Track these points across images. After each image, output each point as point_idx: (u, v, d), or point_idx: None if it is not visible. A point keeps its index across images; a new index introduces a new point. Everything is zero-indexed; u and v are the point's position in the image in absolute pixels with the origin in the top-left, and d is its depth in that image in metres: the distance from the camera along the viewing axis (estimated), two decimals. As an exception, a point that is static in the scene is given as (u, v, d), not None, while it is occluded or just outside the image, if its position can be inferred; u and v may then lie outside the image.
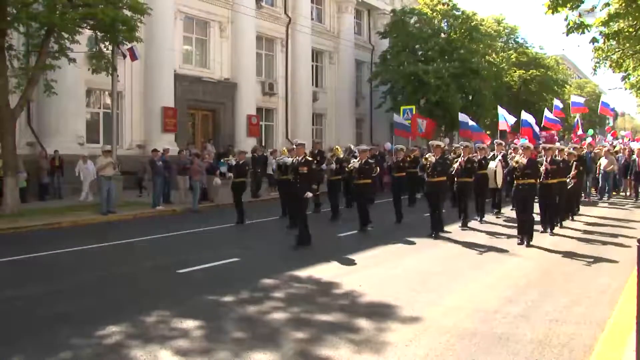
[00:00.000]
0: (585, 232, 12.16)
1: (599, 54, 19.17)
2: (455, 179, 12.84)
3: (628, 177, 19.91)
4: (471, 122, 22.95)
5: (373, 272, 8.40)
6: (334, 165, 14.58)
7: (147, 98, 21.44)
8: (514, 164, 10.47)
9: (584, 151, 18.63)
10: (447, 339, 5.47)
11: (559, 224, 12.55)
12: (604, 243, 10.72)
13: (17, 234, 12.24)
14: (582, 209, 15.46)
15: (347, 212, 14.80)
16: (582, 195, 17.20)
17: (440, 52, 29.02)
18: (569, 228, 12.61)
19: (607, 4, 14.60)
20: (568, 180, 13.09)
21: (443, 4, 30.93)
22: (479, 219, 13.52)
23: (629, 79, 22.93)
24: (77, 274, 8.44)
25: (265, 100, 27.32)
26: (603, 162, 19.32)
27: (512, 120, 23.15)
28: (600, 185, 19.61)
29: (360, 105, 32.78)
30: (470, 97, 30.50)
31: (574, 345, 5.28)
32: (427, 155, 11.94)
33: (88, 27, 15.09)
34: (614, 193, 20.14)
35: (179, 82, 22.36)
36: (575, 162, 13.93)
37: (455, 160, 13.08)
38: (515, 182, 10.64)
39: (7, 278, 8.07)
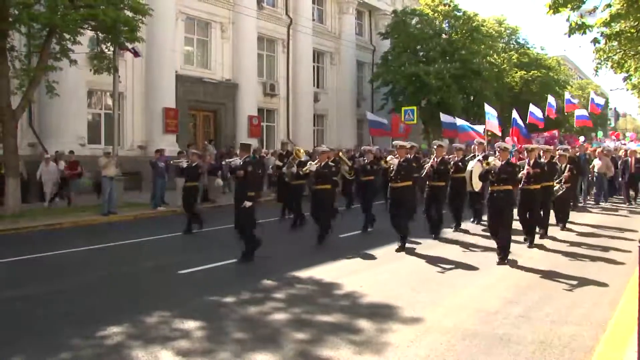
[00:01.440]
0: (572, 244, 10.81)
1: (600, 54, 19.11)
2: (427, 183, 11.62)
3: (620, 179, 18.78)
4: (460, 122, 21.82)
5: (374, 272, 8.40)
6: (295, 169, 12.75)
7: (149, 99, 21.45)
8: (485, 166, 9.25)
9: (578, 153, 17.91)
10: (448, 339, 5.46)
11: (541, 234, 11.17)
12: (593, 259, 9.33)
13: (18, 234, 12.26)
14: (574, 216, 13.90)
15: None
16: (572, 202, 15.67)
17: (441, 53, 29.01)
18: (557, 239, 11.22)
19: (609, 5, 14.58)
20: (559, 186, 12.22)
21: (444, 5, 30.92)
22: (453, 227, 12.26)
23: (630, 79, 22.85)
24: (78, 274, 8.44)
25: (267, 101, 27.32)
26: (597, 163, 18.27)
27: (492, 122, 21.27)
28: (595, 189, 18.62)
29: (362, 106, 32.77)
30: (472, 98, 30.49)
31: (575, 346, 5.28)
32: (388, 158, 10.56)
33: (89, 28, 15.10)
34: (612, 197, 19.07)
35: (180, 83, 22.37)
36: (568, 166, 12.89)
37: (425, 161, 12.09)
38: (490, 188, 9.33)
39: (8, 278, 8.08)
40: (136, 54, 17.87)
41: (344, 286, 7.51)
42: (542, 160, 11.36)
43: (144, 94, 21.47)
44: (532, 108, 22.96)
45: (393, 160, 10.16)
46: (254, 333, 5.68)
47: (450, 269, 8.59)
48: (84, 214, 14.82)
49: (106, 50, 16.12)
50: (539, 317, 6.15)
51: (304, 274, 8.11)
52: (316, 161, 11.18)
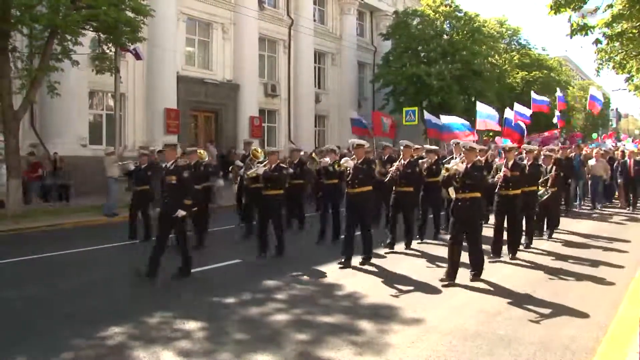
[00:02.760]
0: (558, 256, 9.50)
1: (601, 55, 19.08)
2: (394, 188, 10.15)
3: (619, 182, 17.08)
4: (447, 120, 20.24)
5: (375, 274, 8.40)
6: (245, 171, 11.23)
7: (150, 99, 21.47)
8: (445, 171, 7.91)
9: (572, 153, 16.67)
10: (449, 340, 5.46)
11: (526, 244, 10.15)
12: (578, 279, 8.14)
13: (20, 234, 12.27)
14: (564, 223, 12.92)
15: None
16: (566, 207, 15.22)
17: (442, 54, 29.00)
18: (541, 251, 9.93)
19: (611, 5, 14.57)
20: (544, 190, 11.20)
21: (445, 6, 30.92)
22: (419, 238, 10.79)
23: (632, 80, 22.80)
24: (79, 275, 8.45)
25: (268, 102, 27.34)
26: (592, 164, 16.80)
27: (491, 117, 19.91)
28: (590, 193, 17.12)
29: (363, 106, 32.76)
30: (473, 99, 30.48)
31: (576, 348, 5.27)
32: (342, 160, 9.10)
33: (91, 29, 15.12)
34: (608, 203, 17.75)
35: (181, 84, 22.39)
36: (554, 167, 11.78)
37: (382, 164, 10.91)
38: (455, 196, 7.93)
39: (10, 279, 8.09)
40: (138, 56, 17.89)
41: (345, 287, 7.51)
42: (525, 161, 10.23)
43: (146, 95, 21.49)
44: (517, 106, 20.79)
45: (348, 163, 8.82)
46: (255, 334, 5.68)
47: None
48: (86, 214, 14.83)
49: (108, 51, 16.14)
50: (540, 318, 6.14)
51: (304, 274, 8.10)
52: (264, 163, 9.86)
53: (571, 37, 13.90)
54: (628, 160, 16.77)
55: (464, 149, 7.97)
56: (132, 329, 5.84)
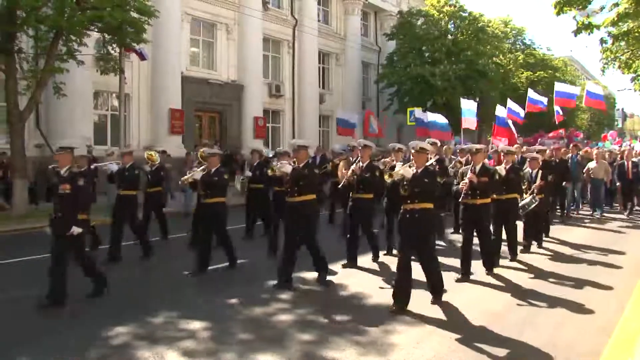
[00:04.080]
0: (539, 274, 8.27)
1: (607, 54, 19.00)
2: (350, 195, 8.97)
3: (617, 185, 16.02)
4: (433, 117, 19.51)
5: (380, 274, 8.39)
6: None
7: (155, 100, 21.51)
8: (388, 177, 6.73)
9: (569, 154, 15.71)
10: (453, 341, 5.45)
11: (510, 258, 9.10)
12: (591, 265, 8.70)
13: (25, 235, 12.30)
14: (557, 230, 12.09)
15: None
16: (561, 213, 14.43)
17: (447, 54, 28.95)
18: (518, 268, 8.61)
19: (616, 4, 14.54)
20: (530, 197, 9.93)
21: (450, 6, 30.87)
22: (385, 251, 9.59)
23: (638, 80, 22.67)
24: (83, 275, 8.46)
25: (272, 102, 27.35)
26: (591, 166, 15.48)
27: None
28: (590, 197, 15.98)
29: (367, 107, 32.75)
30: (477, 99, 30.41)
31: (581, 349, 5.26)
32: (276, 165, 7.83)
33: (96, 30, 15.16)
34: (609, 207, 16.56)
35: (186, 84, 22.42)
36: (540, 172, 10.43)
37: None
38: (402, 208, 6.64)
39: (16, 279, 8.11)
40: (142, 57, 17.95)
41: (349, 287, 7.51)
42: (503, 166, 9.11)
43: (150, 95, 21.53)
44: (510, 104, 19.56)
45: (285, 168, 7.52)
46: (259, 334, 5.69)
47: (455, 271, 8.55)
48: (92, 215, 14.80)
49: (112, 51, 16.19)
50: (545, 320, 6.13)
51: (309, 275, 8.10)
52: (201, 167, 8.90)
53: (575, 35, 13.90)
54: (625, 162, 15.73)
55: (413, 150, 6.70)
56: (136, 328, 5.86)
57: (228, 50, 24.93)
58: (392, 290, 6.52)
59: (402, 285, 6.39)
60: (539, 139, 22.67)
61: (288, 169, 7.49)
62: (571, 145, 17.91)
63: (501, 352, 5.20)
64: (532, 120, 29.34)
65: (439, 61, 28.62)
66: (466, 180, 7.91)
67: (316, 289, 7.53)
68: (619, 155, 17.08)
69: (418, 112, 20.68)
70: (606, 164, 15.91)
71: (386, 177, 6.81)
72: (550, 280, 8.00)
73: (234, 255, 8.66)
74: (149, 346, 5.35)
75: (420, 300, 6.73)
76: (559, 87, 22.45)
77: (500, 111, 17.73)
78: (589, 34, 13.81)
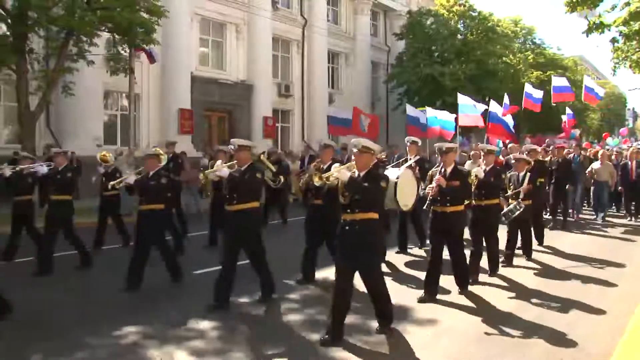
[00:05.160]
0: (521, 294, 7.10)
1: (618, 54, 18.85)
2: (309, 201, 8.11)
3: (619, 188, 14.89)
4: (432, 113, 18.22)
5: (387, 274, 8.37)
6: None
7: (164, 100, 21.60)
8: (318, 180, 5.63)
9: (571, 154, 14.69)
10: (462, 342, 5.44)
11: (489, 273, 8.11)
12: (599, 267, 8.33)
13: (35, 234, 12.36)
14: (553, 237, 11.21)
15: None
16: (563, 217, 13.24)
17: (456, 54, 28.86)
18: (499, 285, 7.56)
19: (628, 3, 14.44)
20: (514, 203, 8.76)
21: (459, 5, 30.76)
22: None
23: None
24: (93, 274, 8.52)
25: (281, 102, 27.37)
26: (595, 167, 14.48)
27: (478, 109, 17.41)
28: (592, 201, 14.85)
29: (377, 107, 32.69)
30: (487, 99, 30.26)
31: (591, 350, 5.23)
32: (215, 169, 7.04)
33: (106, 30, 15.24)
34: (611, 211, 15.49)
35: (195, 84, 22.49)
36: (528, 175, 9.21)
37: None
38: (342, 218, 5.55)
39: (24, 278, 8.15)
40: (153, 59, 18.02)
41: (358, 287, 7.49)
42: (482, 167, 8.20)
43: (160, 95, 21.62)
44: (507, 99, 17.85)
45: (222, 171, 6.75)
46: (268, 334, 5.70)
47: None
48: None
49: (122, 51, 16.27)
50: (554, 321, 6.09)
51: (318, 274, 8.09)
52: (137, 169, 8.20)
53: (587, 35, 13.82)
54: (629, 162, 14.52)
55: (355, 150, 5.54)
56: (146, 328, 5.88)
57: (237, 50, 24.98)
58: (400, 289, 6.49)
59: (335, 320, 5.44)
60: (547, 140, 21.84)
61: (224, 173, 6.68)
62: (574, 144, 17.05)
63: (510, 353, 5.17)
64: (540, 121, 29.19)
65: (448, 61, 28.52)
66: (433, 184, 6.83)
67: (325, 289, 7.53)
68: (624, 155, 16.00)
69: (411, 109, 19.26)
70: (611, 165, 14.77)
71: (315, 180, 5.63)
72: (561, 281, 7.95)
73: (177, 266, 7.85)
74: (158, 346, 5.38)
75: (427, 303, 6.71)
76: (556, 81, 20.70)
77: (494, 107, 16.36)
78: (600, 33, 13.73)
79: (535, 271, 8.61)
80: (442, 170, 7.01)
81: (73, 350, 5.25)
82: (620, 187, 14.76)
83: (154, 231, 7.64)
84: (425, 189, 7.01)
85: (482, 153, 8.88)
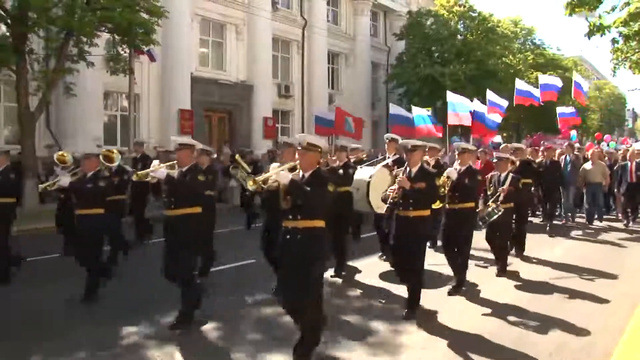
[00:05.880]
0: (499, 310, 6.34)
1: (618, 55, 18.83)
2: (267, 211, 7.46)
3: (616, 191, 14.22)
4: (417, 112, 17.38)
5: (389, 275, 8.36)
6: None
7: (164, 100, 21.59)
8: (252, 184, 4.88)
9: (563, 155, 13.84)
10: (463, 342, 5.44)
11: (452, 289, 7.22)
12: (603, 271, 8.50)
13: (37, 234, 12.37)
14: (538, 246, 10.34)
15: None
16: (549, 221, 12.40)
17: (456, 54, 28.88)
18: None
19: (627, 4, 14.43)
20: (493, 207, 8.03)
21: (459, 6, 30.77)
22: (334, 273, 8.07)
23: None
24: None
25: (282, 103, 27.37)
26: (587, 168, 13.61)
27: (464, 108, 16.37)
28: (585, 204, 13.87)
29: (377, 107, 32.69)
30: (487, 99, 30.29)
31: (592, 350, 5.23)
32: (152, 171, 6.17)
33: (106, 31, 15.25)
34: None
35: (195, 85, 22.49)
36: (510, 176, 8.42)
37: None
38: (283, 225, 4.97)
39: (26, 278, 8.14)
40: (152, 58, 18.03)
41: (360, 288, 7.50)
42: (455, 168, 7.54)
43: (160, 96, 21.61)
44: (492, 96, 16.78)
45: (158, 172, 6.04)
46: (269, 334, 5.70)
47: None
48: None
49: (122, 52, 16.28)
50: (555, 321, 6.09)
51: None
52: (73, 170, 7.58)
53: (589, 38, 13.79)
54: (629, 163, 13.60)
55: (300, 148, 4.94)
56: (147, 328, 5.88)
57: (237, 51, 24.98)
58: (405, 291, 6.41)
59: (304, 348, 4.91)
60: (542, 141, 21.50)
61: (160, 174, 5.99)
62: (566, 144, 15.96)
63: (511, 354, 5.18)
64: (542, 122, 29.19)
65: (448, 61, 28.54)
66: (396, 186, 6.17)
67: (326, 289, 7.50)
68: (620, 156, 15.06)
69: (395, 108, 18.36)
70: (604, 165, 13.88)
71: (249, 184, 4.88)
72: (562, 282, 7.94)
73: (96, 283, 7.00)
74: (160, 346, 5.37)
75: (429, 302, 6.71)
76: (543, 79, 20.46)
77: (476, 105, 15.48)
78: (602, 35, 13.72)
79: (535, 272, 8.61)
80: (407, 170, 6.31)
81: (73, 350, 5.25)
82: (615, 190, 14.10)
83: (90, 238, 6.91)
84: (386, 191, 6.37)
85: (456, 152, 8.15)
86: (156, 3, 15.51)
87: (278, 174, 4.86)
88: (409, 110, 20.50)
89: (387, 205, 6.31)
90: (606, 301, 6.88)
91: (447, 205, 7.49)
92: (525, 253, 9.64)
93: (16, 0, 13.46)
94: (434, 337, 5.59)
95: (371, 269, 8.70)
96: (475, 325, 5.92)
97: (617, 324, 5.89)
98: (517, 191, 8.46)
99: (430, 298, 6.85)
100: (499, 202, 8.13)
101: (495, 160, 8.90)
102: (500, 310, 6.48)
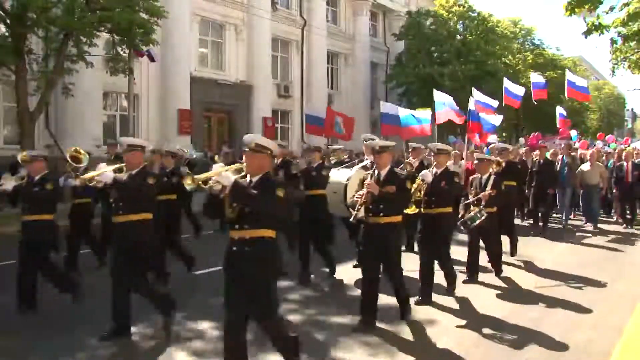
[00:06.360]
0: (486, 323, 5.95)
1: (617, 55, 18.81)
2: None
3: (613, 192, 13.84)
4: (405, 112, 16.68)
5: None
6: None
7: (163, 100, 21.60)
8: (189, 182, 4.31)
9: (559, 155, 13.39)
10: (462, 343, 5.44)
11: (416, 301, 6.55)
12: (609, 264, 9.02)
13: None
14: (533, 248, 10.14)
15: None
16: (543, 224, 12.05)
17: (456, 55, 28.91)
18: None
19: (627, 4, 14.42)
20: (475, 211, 7.57)
21: (459, 6, 30.80)
22: (304, 279, 7.74)
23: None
24: (93, 274, 8.50)
25: (281, 103, 27.38)
26: (585, 169, 13.20)
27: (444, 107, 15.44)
28: (582, 207, 13.55)
29: (376, 107, 32.63)
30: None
31: (591, 350, 5.23)
32: (97, 172, 5.60)
33: (105, 31, 15.23)
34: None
35: (194, 85, 22.49)
36: (492, 178, 7.90)
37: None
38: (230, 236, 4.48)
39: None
40: (152, 59, 18.03)
41: (357, 288, 7.50)
42: (431, 170, 6.95)
43: (159, 96, 21.62)
44: (478, 95, 15.68)
45: (104, 175, 5.45)
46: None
47: (463, 274, 8.52)
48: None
49: (122, 52, 16.27)
50: (553, 321, 6.10)
51: (318, 275, 8.10)
52: (19, 174, 6.79)
53: (586, 37, 13.77)
54: (625, 164, 13.26)
55: (247, 150, 4.50)
56: (145, 328, 5.88)
57: (237, 51, 24.99)
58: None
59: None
60: (539, 140, 20.97)
61: (107, 177, 5.45)
62: (563, 144, 15.55)
63: (511, 353, 5.18)
64: (541, 122, 29.14)
65: (447, 61, 28.57)
66: (363, 191, 5.65)
67: (326, 290, 7.53)
68: (616, 156, 14.69)
69: (386, 106, 17.42)
70: (602, 166, 13.56)
71: (187, 182, 4.30)
72: (560, 282, 7.94)
73: (68, 285, 6.80)
74: (158, 346, 5.37)
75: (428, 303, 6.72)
76: (534, 78, 19.88)
77: (472, 104, 14.77)
78: (600, 34, 13.70)
79: (534, 273, 8.61)
80: (376, 173, 5.85)
81: (73, 350, 5.25)
82: (614, 191, 13.71)
83: (37, 245, 6.42)
84: (354, 196, 5.83)
85: (431, 153, 7.40)
86: (156, 3, 15.49)
87: (220, 174, 4.26)
88: (414, 108, 20.00)
89: (354, 212, 5.71)
90: (605, 301, 6.89)
91: (422, 210, 6.94)
92: (521, 256, 9.45)
93: (15, 0, 13.45)
94: (433, 337, 5.59)
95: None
96: (474, 326, 5.92)
97: (616, 324, 5.90)
98: (501, 194, 7.93)
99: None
100: (481, 206, 7.66)
101: (476, 162, 8.47)
102: (498, 311, 6.48)
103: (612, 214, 14.62)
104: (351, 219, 5.83)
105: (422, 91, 28.42)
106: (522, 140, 21.48)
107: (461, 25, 31.24)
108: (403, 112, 16.38)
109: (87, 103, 18.37)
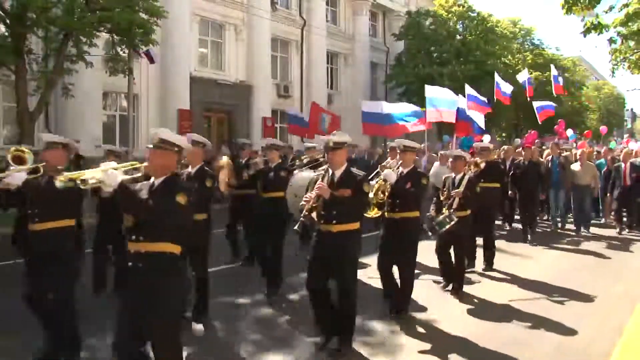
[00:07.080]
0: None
1: (616, 55, 18.82)
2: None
3: (607, 195, 13.35)
4: (390, 109, 15.52)
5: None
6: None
7: (163, 101, 21.59)
8: (59, 182, 3.96)
9: (551, 156, 13.11)
10: (461, 343, 5.45)
11: (398, 307, 6.26)
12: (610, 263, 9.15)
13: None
14: (513, 257, 9.62)
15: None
16: (528, 229, 11.42)
17: (455, 55, 28.91)
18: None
19: (626, 5, 14.44)
20: (444, 215, 6.95)
21: (458, 6, 30.81)
22: (267, 293, 7.09)
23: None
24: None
25: (281, 103, 27.37)
26: (575, 169, 12.62)
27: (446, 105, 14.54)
28: (573, 209, 12.81)
29: (376, 107, 32.70)
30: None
31: (591, 351, 5.24)
32: (5, 176, 4.71)
33: (105, 31, 15.23)
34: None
35: (194, 85, 22.49)
36: (467, 179, 7.21)
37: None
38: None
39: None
40: (152, 60, 18.02)
41: (358, 288, 7.49)
42: (393, 170, 6.34)
43: (159, 96, 21.61)
44: (471, 91, 15.01)
45: (14, 176, 4.68)
46: (268, 334, 5.70)
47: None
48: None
49: (121, 52, 16.27)
50: (554, 322, 6.10)
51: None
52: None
53: (585, 36, 13.75)
54: (622, 165, 12.67)
55: (149, 147, 3.98)
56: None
57: (237, 51, 24.99)
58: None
59: None
60: (536, 140, 20.64)
61: (17, 179, 4.65)
62: (551, 143, 14.98)
63: (510, 354, 5.18)
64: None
65: (447, 61, 28.58)
66: (312, 194, 5.00)
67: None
68: (609, 157, 14.08)
69: (367, 104, 16.35)
70: (593, 166, 12.93)
71: (60, 179, 3.91)
72: (560, 282, 7.94)
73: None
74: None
75: (428, 302, 6.72)
76: (498, 79, 19.19)
77: (463, 103, 14.08)
78: (599, 34, 13.71)
79: (533, 273, 8.61)
80: (329, 174, 5.17)
81: (73, 351, 5.24)
82: (608, 194, 13.23)
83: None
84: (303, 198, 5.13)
85: (400, 152, 6.52)
86: (155, 3, 15.49)
87: (106, 172, 3.50)
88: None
89: (301, 219, 5.00)
90: (604, 302, 6.90)
91: (385, 214, 6.33)
92: (512, 261, 9.16)
93: (15, 0, 13.45)
94: (433, 337, 5.59)
95: (371, 268, 8.71)
96: (474, 327, 5.93)
97: (615, 325, 5.90)
98: (476, 196, 7.20)
99: (429, 299, 6.87)
100: (452, 210, 6.99)
101: (451, 160, 7.66)
102: (498, 312, 6.49)
103: (601, 216, 14.11)
104: (295, 227, 5.10)
105: (421, 91, 28.24)
106: (517, 140, 21.44)
107: (461, 25, 31.24)
108: (389, 109, 15.23)
109: (86, 103, 18.36)
